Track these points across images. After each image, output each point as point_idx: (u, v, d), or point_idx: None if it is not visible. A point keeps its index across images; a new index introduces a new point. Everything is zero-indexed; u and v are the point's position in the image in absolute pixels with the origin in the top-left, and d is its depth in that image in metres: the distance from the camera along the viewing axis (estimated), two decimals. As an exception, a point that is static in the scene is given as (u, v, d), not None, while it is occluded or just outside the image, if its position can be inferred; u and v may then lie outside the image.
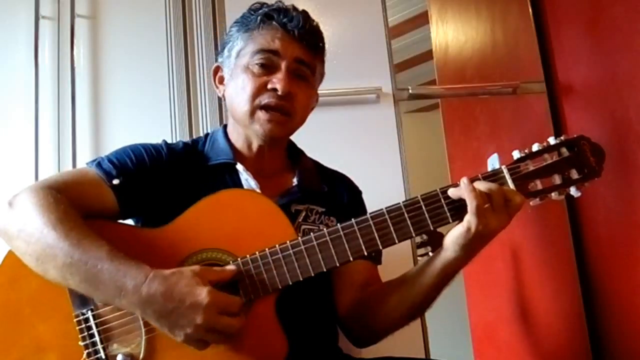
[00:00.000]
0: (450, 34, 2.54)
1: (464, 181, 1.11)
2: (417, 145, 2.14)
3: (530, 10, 2.12)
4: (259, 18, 1.31)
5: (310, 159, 1.48)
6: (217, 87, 1.42)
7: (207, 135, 1.44)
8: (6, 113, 1.92)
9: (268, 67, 1.29)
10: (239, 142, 1.38)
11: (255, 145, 1.35)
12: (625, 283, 1.73)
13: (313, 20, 1.34)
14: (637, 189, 1.63)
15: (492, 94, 2.25)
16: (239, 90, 1.30)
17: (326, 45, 2.01)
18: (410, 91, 2.04)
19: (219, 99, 1.97)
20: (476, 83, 2.38)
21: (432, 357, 1.80)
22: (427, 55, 2.57)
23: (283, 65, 1.28)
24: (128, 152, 1.28)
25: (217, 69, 1.41)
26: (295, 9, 1.33)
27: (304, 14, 1.33)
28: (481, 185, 1.11)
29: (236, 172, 1.33)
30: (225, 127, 1.43)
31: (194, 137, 1.91)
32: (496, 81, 2.26)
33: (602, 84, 1.79)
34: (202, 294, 1.01)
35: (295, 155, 1.46)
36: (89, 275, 1.03)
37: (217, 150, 1.37)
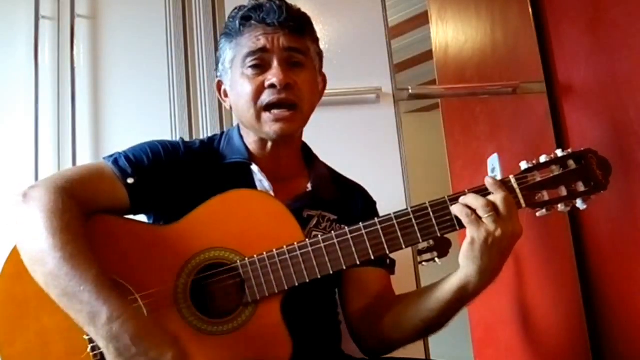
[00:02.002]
0: (450, 34, 2.54)
1: (445, 199, 1.14)
2: (417, 145, 2.14)
3: (530, 10, 2.11)
4: (237, 22, 1.30)
5: (325, 164, 1.47)
6: (224, 101, 1.41)
7: (222, 133, 1.44)
8: (6, 113, 1.92)
9: (261, 67, 1.28)
10: (252, 143, 1.37)
11: (269, 145, 1.34)
12: (625, 284, 1.73)
13: (292, 6, 1.31)
14: (637, 190, 1.63)
15: (492, 94, 2.25)
16: (239, 97, 1.30)
17: (326, 45, 2.03)
18: (410, 91, 2.04)
19: (219, 98, 1.98)
20: (476, 83, 2.38)
21: (432, 357, 1.80)
22: (427, 55, 2.57)
23: (274, 59, 1.27)
24: (145, 149, 1.28)
25: (220, 84, 1.40)
26: (269, 1, 1.30)
27: (280, 2, 1.30)
28: (468, 201, 1.13)
29: (250, 173, 1.32)
30: (239, 125, 1.42)
31: (194, 137, 1.92)
32: (496, 81, 2.26)
33: (602, 84, 1.80)
34: (168, 355, 1.00)
35: (310, 159, 1.45)
36: (69, 292, 1.02)
37: (232, 148, 1.37)
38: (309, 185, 1.36)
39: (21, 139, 1.89)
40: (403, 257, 1.79)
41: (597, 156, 1.19)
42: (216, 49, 1.98)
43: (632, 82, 1.66)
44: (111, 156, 1.26)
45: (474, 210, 1.10)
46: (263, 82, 1.26)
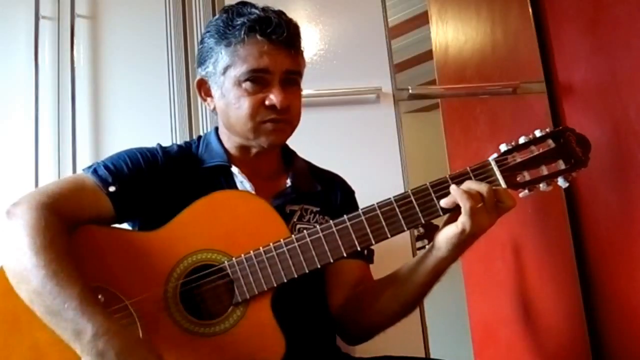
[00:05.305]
0: (450, 34, 2.54)
1: (453, 188, 1.13)
2: (417, 145, 2.14)
3: (530, 10, 2.12)
4: (241, 32, 1.26)
5: (303, 159, 1.49)
6: (204, 100, 1.40)
7: (199, 137, 1.45)
8: (6, 113, 1.92)
9: (260, 82, 1.27)
10: (232, 148, 1.38)
11: (253, 152, 1.36)
12: (625, 283, 1.73)
13: (291, 20, 1.31)
14: (637, 189, 1.63)
15: (492, 94, 2.25)
16: (234, 108, 1.29)
17: (326, 45, 2.03)
18: (410, 91, 2.05)
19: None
20: (476, 83, 2.38)
21: (432, 357, 1.80)
22: (427, 55, 2.56)
23: (275, 79, 1.27)
24: (124, 157, 1.28)
25: (202, 82, 1.38)
26: (274, 13, 1.29)
27: (284, 17, 1.30)
28: (474, 186, 1.12)
29: (231, 174, 1.33)
30: (216, 129, 1.43)
31: (194, 137, 1.92)
32: (496, 81, 2.26)
33: (602, 84, 1.79)
34: None
35: (288, 156, 1.46)
36: (53, 309, 1.02)
37: (211, 152, 1.37)
38: (289, 181, 1.37)
39: (21, 139, 1.90)
40: (401, 244, 1.80)
41: (575, 133, 1.19)
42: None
43: (632, 82, 1.65)
44: (90, 167, 1.26)
45: (479, 200, 1.11)
46: (262, 100, 1.27)
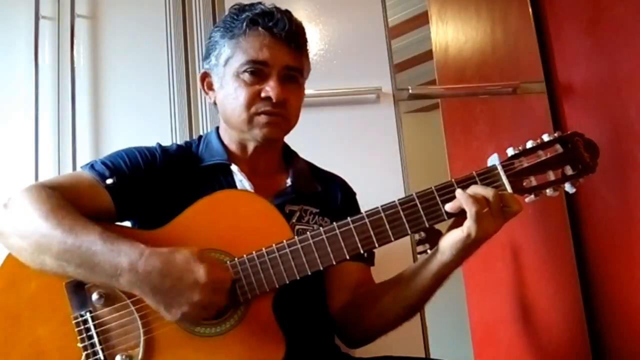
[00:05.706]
0: (450, 34, 2.54)
1: (459, 192, 1.11)
2: (417, 145, 2.14)
3: (530, 10, 2.12)
4: (244, 24, 1.29)
5: (303, 160, 1.48)
6: (206, 93, 1.41)
7: (200, 137, 1.45)
8: (6, 113, 1.92)
9: (259, 75, 1.28)
10: (232, 145, 1.38)
11: (251, 148, 1.36)
12: (625, 283, 1.73)
13: (296, 19, 1.33)
14: (637, 189, 1.63)
15: (492, 94, 2.25)
16: (231, 99, 1.30)
17: (326, 45, 2.03)
18: (410, 91, 2.05)
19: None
20: (476, 83, 2.38)
21: (432, 357, 1.80)
22: (427, 55, 2.56)
23: (274, 73, 1.27)
24: (122, 155, 1.29)
25: (205, 76, 1.40)
26: (278, 10, 1.31)
27: (288, 14, 1.31)
28: (480, 191, 1.11)
29: (230, 173, 1.33)
30: (217, 128, 1.43)
31: (194, 137, 1.92)
32: (496, 81, 2.26)
33: (602, 84, 1.80)
34: (200, 271, 1.02)
35: (289, 156, 1.46)
36: (84, 259, 1.04)
37: (211, 151, 1.37)
38: (289, 181, 1.37)
39: (21, 138, 1.90)
40: (401, 248, 1.80)
41: (583, 138, 1.16)
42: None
43: (632, 82, 1.66)
44: (87, 164, 1.26)
45: (484, 205, 1.09)
46: (258, 91, 1.28)
